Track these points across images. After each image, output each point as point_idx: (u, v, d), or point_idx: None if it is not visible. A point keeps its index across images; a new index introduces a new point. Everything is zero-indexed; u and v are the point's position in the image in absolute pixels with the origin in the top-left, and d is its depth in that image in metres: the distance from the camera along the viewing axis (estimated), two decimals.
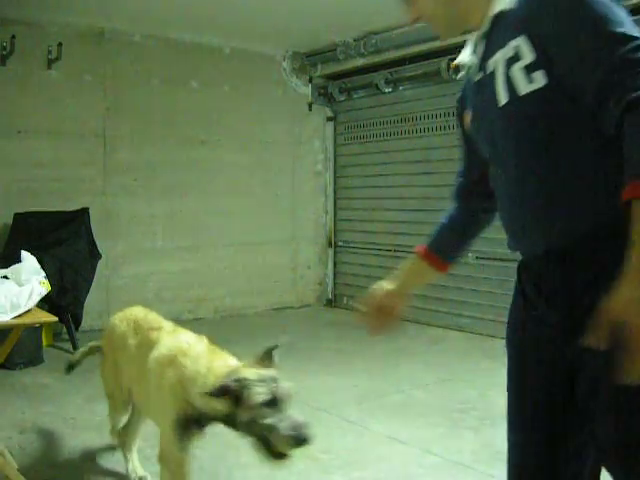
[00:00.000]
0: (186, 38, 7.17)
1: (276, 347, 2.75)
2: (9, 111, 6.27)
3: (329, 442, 3.77)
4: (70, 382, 4.95)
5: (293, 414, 2.27)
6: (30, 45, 6.30)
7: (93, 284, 6.08)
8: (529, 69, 1.46)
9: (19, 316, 3.01)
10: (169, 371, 2.49)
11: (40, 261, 3.34)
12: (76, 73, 6.61)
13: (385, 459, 3.53)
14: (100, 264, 6.20)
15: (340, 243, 8.43)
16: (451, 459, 3.50)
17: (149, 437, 3.82)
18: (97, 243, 6.11)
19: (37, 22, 6.33)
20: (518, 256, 1.73)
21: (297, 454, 3.56)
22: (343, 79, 8.06)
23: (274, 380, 2.36)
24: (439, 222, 2.00)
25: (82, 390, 4.73)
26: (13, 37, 6.10)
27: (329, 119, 8.44)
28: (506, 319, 1.81)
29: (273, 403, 2.27)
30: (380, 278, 2.05)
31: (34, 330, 5.17)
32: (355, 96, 8.12)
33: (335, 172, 8.46)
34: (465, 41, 1.73)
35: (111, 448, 3.65)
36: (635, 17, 4.95)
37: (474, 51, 1.68)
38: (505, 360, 1.77)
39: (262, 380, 2.33)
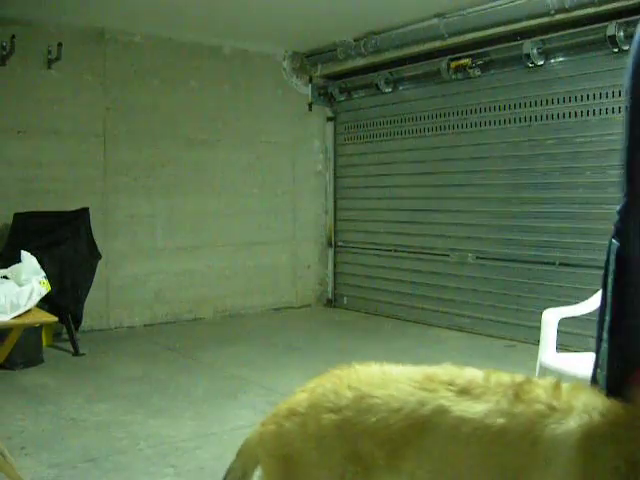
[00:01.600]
0: (186, 38, 7.17)
1: None
2: (9, 111, 6.27)
3: None
4: (70, 382, 4.96)
5: None
6: (30, 45, 6.30)
7: (93, 284, 6.08)
8: None
9: (19, 316, 3.01)
10: None
11: (40, 261, 3.34)
12: (76, 73, 6.61)
13: None
14: (100, 264, 6.20)
15: (340, 243, 8.43)
16: None
17: (150, 436, 3.82)
18: (97, 243, 6.11)
19: (37, 22, 6.34)
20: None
21: None
22: (343, 79, 8.06)
23: None
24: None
25: (82, 390, 4.73)
26: (13, 37, 6.10)
27: (329, 119, 8.44)
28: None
29: None
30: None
31: (34, 330, 5.17)
32: (355, 96, 8.12)
33: (335, 172, 8.46)
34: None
35: (110, 448, 3.65)
36: (635, 17, 4.89)
37: None
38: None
39: None
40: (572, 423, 1.44)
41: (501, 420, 1.49)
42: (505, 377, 1.57)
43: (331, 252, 8.48)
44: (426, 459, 1.57)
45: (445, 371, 1.63)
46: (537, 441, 1.45)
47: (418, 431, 1.55)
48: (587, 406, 1.46)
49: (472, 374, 1.60)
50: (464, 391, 1.55)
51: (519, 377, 1.57)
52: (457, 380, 1.58)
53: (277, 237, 8.04)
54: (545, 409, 1.47)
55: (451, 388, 1.57)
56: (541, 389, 1.51)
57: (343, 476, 1.60)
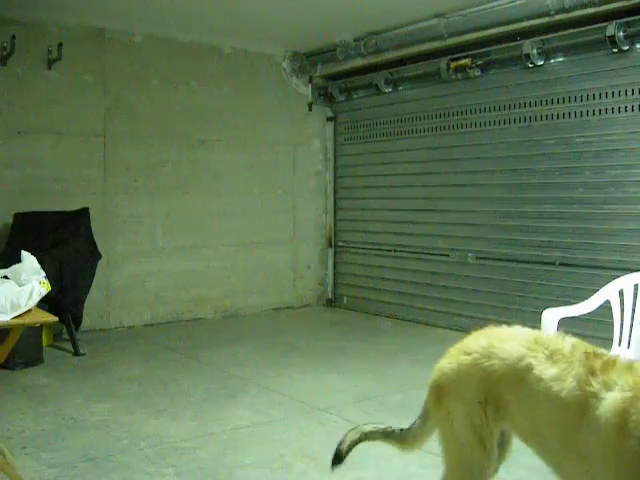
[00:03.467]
0: (186, 38, 7.17)
1: None
2: (9, 111, 6.27)
3: (329, 442, 3.77)
4: (70, 382, 4.96)
5: None
6: (30, 45, 6.30)
7: (93, 284, 6.08)
8: None
9: (19, 316, 3.01)
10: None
11: (40, 261, 3.34)
12: (76, 73, 6.61)
13: (385, 459, 3.53)
14: (100, 264, 6.20)
15: (340, 243, 8.43)
16: None
17: (150, 436, 3.82)
18: (97, 243, 6.11)
19: (37, 22, 6.34)
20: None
21: (297, 454, 3.57)
22: (343, 79, 8.06)
23: None
24: None
25: (82, 390, 4.73)
26: (13, 37, 6.10)
27: (329, 119, 8.44)
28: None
29: None
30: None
31: (34, 330, 5.17)
32: (355, 96, 8.12)
33: (335, 172, 8.46)
34: None
35: (110, 448, 3.65)
36: (635, 17, 4.89)
37: None
38: None
39: None
40: (617, 395, 1.72)
41: (563, 385, 1.83)
42: (589, 349, 1.90)
43: (331, 252, 8.48)
44: (521, 405, 1.97)
45: (550, 337, 2.01)
46: (586, 411, 1.76)
47: (515, 380, 1.96)
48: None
49: (562, 344, 1.95)
50: (550, 356, 1.91)
51: (603, 355, 1.86)
52: (551, 345, 1.95)
53: (277, 237, 8.04)
54: (600, 388, 1.76)
55: (545, 351, 1.94)
56: (616, 373, 1.78)
57: (473, 405, 2.04)
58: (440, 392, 2.17)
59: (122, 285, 6.93)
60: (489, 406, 2.03)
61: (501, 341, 2.04)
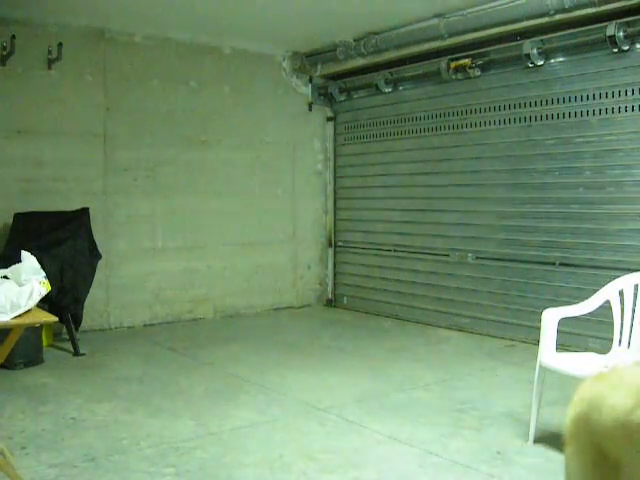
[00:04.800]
0: (186, 38, 7.17)
1: None
2: (9, 111, 6.27)
3: (329, 442, 3.77)
4: (70, 382, 4.96)
5: None
6: (30, 45, 6.30)
7: (93, 284, 6.08)
8: None
9: (19, 316, 3.01)
10: None
11: (40, 261, 3.33)
12: (76, 73, 6.61)
13: (385, 459, 3.53)
14: (100, 264, 6.20)
15: (340, 243, 8.43)
16: (451, 459, 3.50)
17: (150, 436, 3.82)
18: (97, 243, 6.12)
19: (37, 22, 6.33)
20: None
21: (297, 454, 3.58)
22: (343, 79, 8.06)
23: None
24: None
25: (82, 390, 4.73)
26: (13, 37, 6.10)
27: (329, 119, 8.45)
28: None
29: None
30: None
31: (34, 330, 5.17)
32: (355, 96, 8.12)
33: (335, 172, 8.46)
34: None
35: (110, 448, 3.65)
36: (635, 17, 4.90)
37: None
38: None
39: None
40: None
41: None
42: None
43: (331, 252, 8.48)
44: (634, 470, 1.62)
45: None
46: None
47: (624, 438, 1.61)
48: None
49: None
50: None
51: None
52: None
53: (277, 237, 8.05)
54: None
55: None
56: None
57: (588, 463, 1.72)
58: (567, 433, 1.89)
59: (122, 285, 6.93)
60: (602, 467, 1.75)
61: (611, 388, 1.73)
